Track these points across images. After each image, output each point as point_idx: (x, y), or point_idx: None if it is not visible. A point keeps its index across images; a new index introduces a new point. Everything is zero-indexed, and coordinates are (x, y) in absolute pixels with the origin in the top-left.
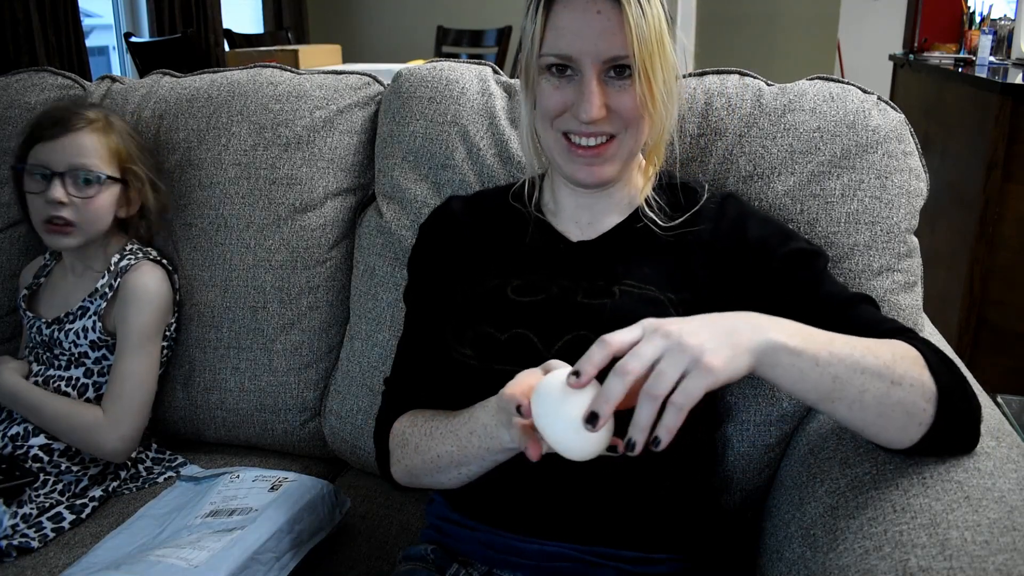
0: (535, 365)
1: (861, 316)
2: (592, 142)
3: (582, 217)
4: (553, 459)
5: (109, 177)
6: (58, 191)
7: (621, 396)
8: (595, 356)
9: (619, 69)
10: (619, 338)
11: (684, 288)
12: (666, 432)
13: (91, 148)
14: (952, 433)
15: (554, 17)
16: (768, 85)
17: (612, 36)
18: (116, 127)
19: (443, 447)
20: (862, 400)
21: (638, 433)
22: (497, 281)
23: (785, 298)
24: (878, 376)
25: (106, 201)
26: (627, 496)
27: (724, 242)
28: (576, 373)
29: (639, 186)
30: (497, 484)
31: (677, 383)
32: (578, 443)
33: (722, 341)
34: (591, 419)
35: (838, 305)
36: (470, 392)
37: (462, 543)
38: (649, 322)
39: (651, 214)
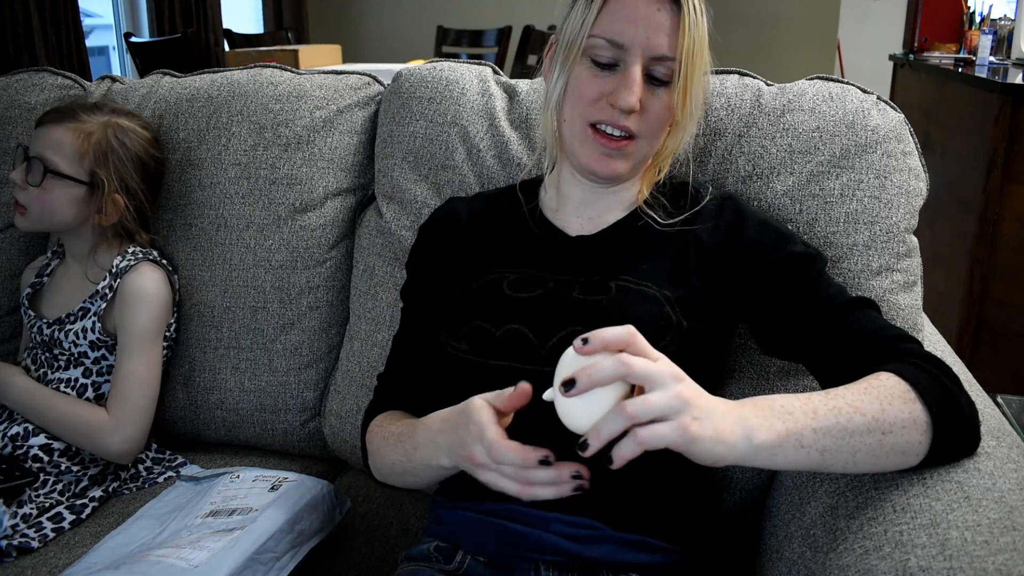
0: (530, 360)
1: (859, 322)
2: (617, 133)
3: (584, 212)
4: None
5: (66, 176)
6: (17, 173)
7: (610, 380)
8: (612, 335)
9: (661, 70)
10: (643, 349)
11: (681, 285)
12: (619, 458)
13: (60, 144)
14: (950, 450)
15: (613, 2)
16: (767, 85)
17: (666, 35)
18: (112, 136)
19: (394, 455)
20: (855, 459)
21: (593, 438)
22: (494, 276)
23: (781, 303)
24: (868, 433)
25: (59, 197)
26: (626, 479)
27: (720, 244)
28: (585, 340)
29: (642, 188)
30: None
31: (654, 421)
32: (576, 415)
33: (713, 422)
34: (567, 384)
35: (835, 310)
36: (465, 386)
37: (464, 530)
38: (677, 374)
39: (651, 212)
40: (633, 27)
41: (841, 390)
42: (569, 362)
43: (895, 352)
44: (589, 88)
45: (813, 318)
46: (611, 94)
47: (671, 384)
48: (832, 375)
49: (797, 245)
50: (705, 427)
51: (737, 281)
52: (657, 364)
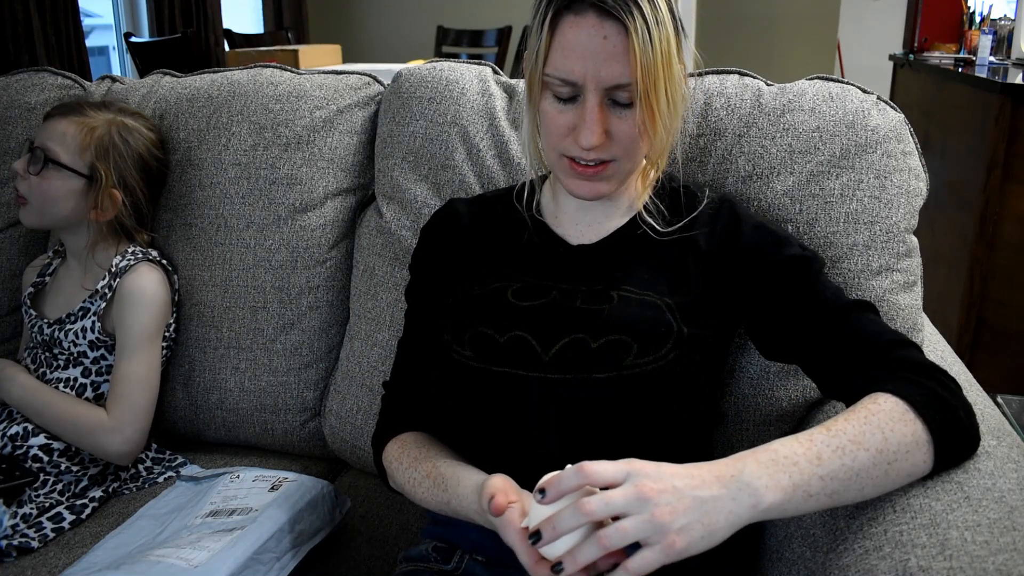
0: (533, 367)
1: (857, 325)
2: (591, 162)
3: (582, 220)
4: (554, 451)
5: (66, 167)
6: (19, 163)
7: (574, 527)
8: (567, 482)
9: (622, 96)
10: (598, 472)
11: (682, 292)
12: None
13: (63, 135)
14: (952, 460)
15: (560, 36)
16: (767, 85)
17: (616, 63)
18: (115, 132)
19: (429, 497)
20: (863, 492)
21: (569, 564)
22: (497, 284)
23: (779, 306)
24: (874, 467)
25: (58, 188)
26: None
27: (719, 248)
28: (542, 491)
29: (639, 191)
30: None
31: (636, 545)
32: (551, 552)
33: (696, 517)
34: (533, 536)
35: (833, 313)
36: (470, 392)
37: (462, 531)
38: (636, 470)
39: (649, 220)
40: (582, 62)
41: (842, 424)
42: (535, 513)
43: (892, 359)
44: (555, 124)
45: (811, 321)
46: (575, 130)
47: (640, 509)
48: (830, 379)
49: (794, 248)
50: (692, 532)
51: (736, 285)
52: (619, 492)
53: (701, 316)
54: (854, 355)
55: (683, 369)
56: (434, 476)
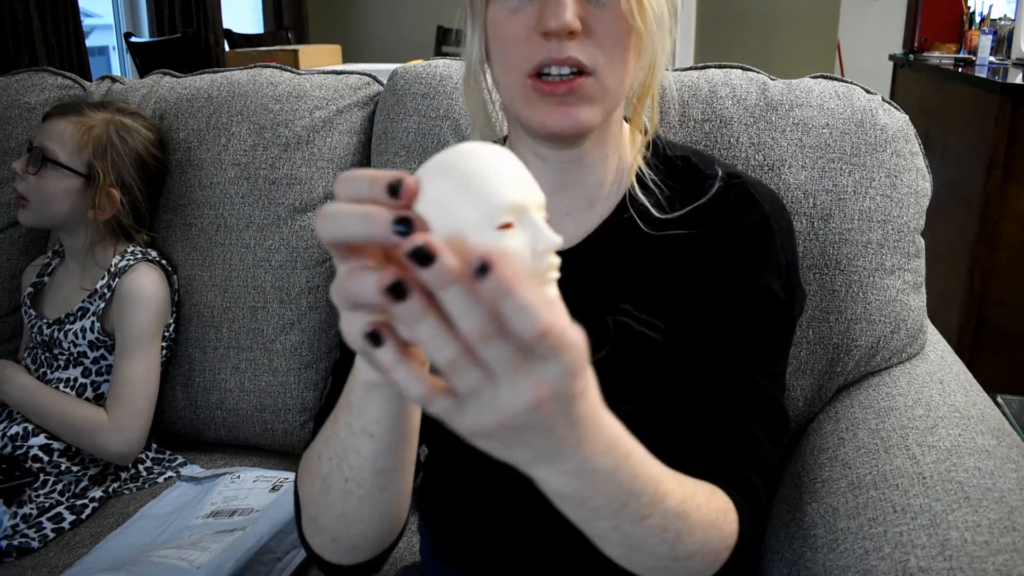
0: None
1: (752, 408)
2: (565, 71)
3: (558, 206)
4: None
5: (64, 166)
6: (18, 163)
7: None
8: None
9: None
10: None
11: (679, 303)
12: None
13: (61, 135)
14: None
15: None
16: (772, 79)
17: None
18: (113, 132)
19: (319, 448)
20: (611, 542)
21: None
22: None
23: (713, 326)
24: (656, 547)
25: (56, 187)
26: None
27: (720, 234)
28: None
29: (626, 162)
30: (484, 534)
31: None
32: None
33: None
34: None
35: (741, 370)
36: (443, 461)
37: None
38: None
39: (643, 199)
40: None
41: (697, 515)
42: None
43: (737, 467)
44: (510, 28)
45: (716, 359)
46: (538, 23)
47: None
48: (684, 426)
49: (778, 281)
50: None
51: (718, 276)
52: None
53: (696, 332)
54: (719, 428)
55: (673, 397)
56: (330, 422)
